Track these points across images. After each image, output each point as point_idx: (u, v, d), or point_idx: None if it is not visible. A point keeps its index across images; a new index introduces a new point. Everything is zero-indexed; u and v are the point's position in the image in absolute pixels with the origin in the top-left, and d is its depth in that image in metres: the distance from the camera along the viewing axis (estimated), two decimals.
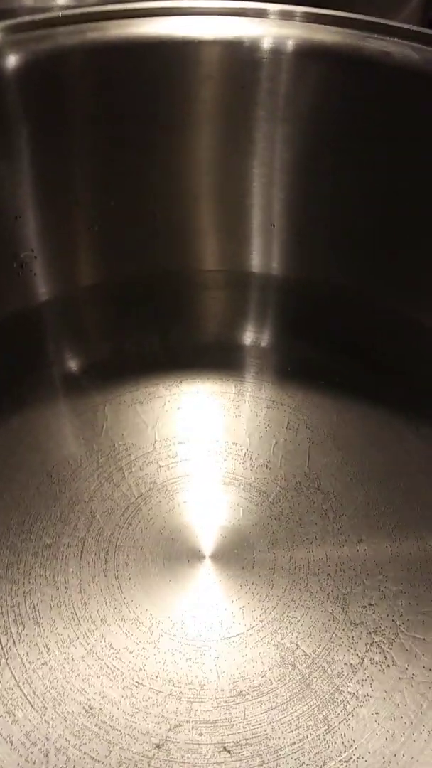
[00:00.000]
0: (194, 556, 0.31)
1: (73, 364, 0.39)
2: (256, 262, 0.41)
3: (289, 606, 0.30)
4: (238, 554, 0.31)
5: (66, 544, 0.31)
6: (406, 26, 0.32)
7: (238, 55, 0.35)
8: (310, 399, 0.37)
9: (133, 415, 0.36)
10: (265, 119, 0.35)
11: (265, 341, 0.40)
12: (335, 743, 0.27)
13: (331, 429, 0.36)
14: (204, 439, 0.35)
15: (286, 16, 0.34)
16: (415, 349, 0.39)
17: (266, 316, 0.41)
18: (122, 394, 0.37)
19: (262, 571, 0.31)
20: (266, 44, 0.34)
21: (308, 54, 0.34)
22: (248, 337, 0.40)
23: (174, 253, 0.41)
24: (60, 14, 0.32)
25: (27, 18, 0.32)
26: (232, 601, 0.30)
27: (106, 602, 0.30)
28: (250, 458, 0.35)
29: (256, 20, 0.34)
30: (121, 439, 0.35)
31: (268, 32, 0.34)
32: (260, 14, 0.34)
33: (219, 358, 0.39)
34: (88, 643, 0.29)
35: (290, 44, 0.34)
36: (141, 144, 0.37)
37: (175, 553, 0.31)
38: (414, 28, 0.31)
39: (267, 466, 0.34)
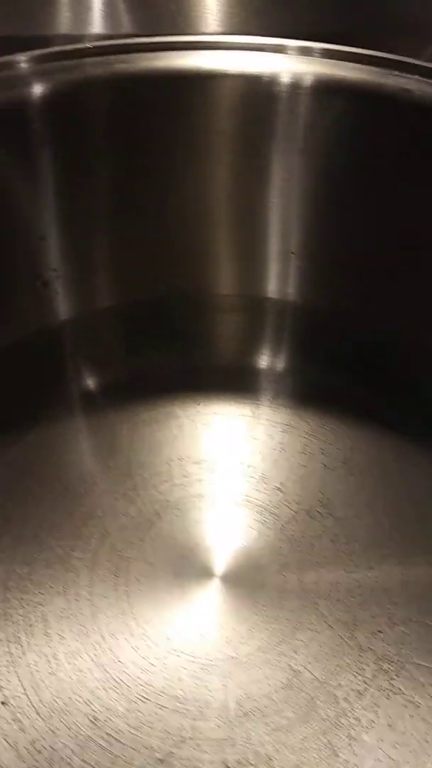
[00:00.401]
0: (204, 575, 0.31)
1: (91, 383, 0.39)
2: (273, 287, 0.41)
3: (297, 629, 0.30)
4: (248, 575, 0.32)
5: (78, 558, 0.32)
6: (426, 64, 0.32)
7: (258, 89, 0.36)
8: (325, 424, 0.37)
9: (149, 434, 0.36)
10: (283, 151, 0.37)
11: (281, 366, 0.40)
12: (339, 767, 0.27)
13: (345, 454, 0.36)
14: (219, 460, 0.36)
15: (304, 52, 0.35)
16: (429, 376, 0.39)
17: (282, 341, 0.42)
18: (139, 414, 0.37)
19: (271, 592, 0.31)
20: (285, 79, 0.35)
21: (326, 89, 0.35)
22: (264, 361, 0.41)
23: (193, 277, 0.42)
24: (90, 45, 0.33)
25: (57, 48, 0.33)
26: (241, 622, 0.30)
27: (115, 616, 0.30)
28: (264, 481, 0.35)
29: (276, 55, 0.35)
30: (136, 457, 0.36)
31: (287, 67, 0.35)
32: (279, 50, 0.35)
33: (235, 381, 0.39)
34: (96, 656, 0.29)
35: (308, 79, 0.35)
36: (162, 172, 0.38)
37: (185, 571, 0.31)
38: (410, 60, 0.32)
39: (280, 490, 0.35)
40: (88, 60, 0.34)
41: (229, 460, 0.36)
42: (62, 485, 0.34)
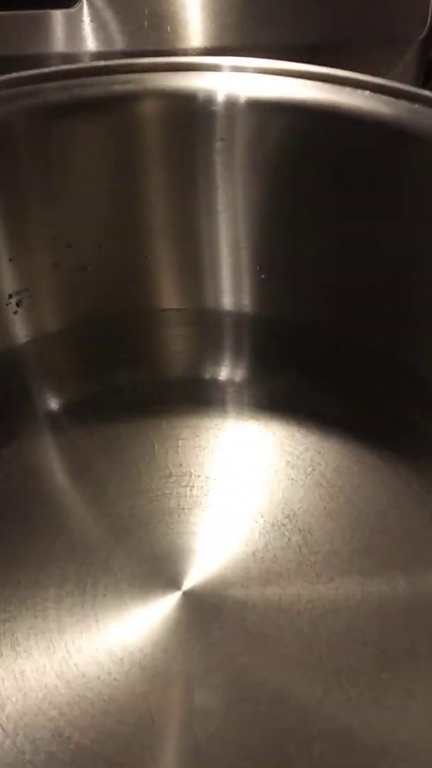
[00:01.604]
0: (170, 588, 0.32)
1: (56, 403, 0.39)
2: (228, 300, 0.41)
3: (259, 641, 0.30)
4: (213, 588, 0.32)
5: (47, 574, 0.32)
6: (376, 80, 0.32)
7: (195, 108, 0.36)
8: (291, 436, 0.37)
9: (116, 450, 0.37)
10: (226, 166, 0.36)
11: (244, 377, 0.40)
12: None
13: (311, 466, 0.36)
14: (185, 474, 0.36)
15: (238, 69, 0.35)
16: (393, 384, 0.39)
17: (243, 353, 0.41)
18: (106, 430, 0.37)
19: (234, 606, 0.31)
20: (220, 97, 0.35)
21: (262, 106, 0.35)
22: (226, 373, 0.40)
23: (148, 293, 0.42)
24: (28, 74, 0.33)
25: (11, 76, 0.33)
26: (204, 635, 0.30)
27: (81, 632, 0.30)
28: (230, 493, 0.35)
29: (212, 74, 0.35)
30: (105, 474, 0.36)
31: (221, 86, 0.35)
32: (214, 68, 0.35)
33: (200, 395, 0.39)
34: (61, 671, 0.29)
35: (243, 97, 0.35)
36: (100, 191, 0.38)
37: (151, 585, 0.32)
38: (386, 82, 0.32)
39: (246, 502, 0.35)
40: (43, 85, 0.34)
41: (196, 474, 0.36)
42: (31, 503, 0.35)
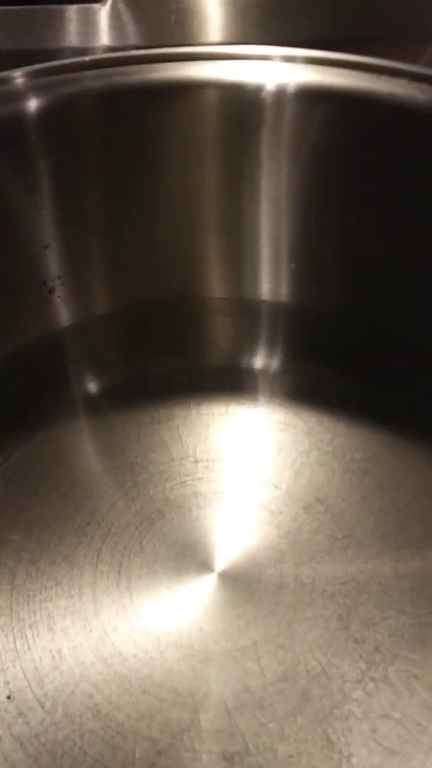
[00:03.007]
0: (204, 570, 0.31)
1: (93, 386, 0.39)
2: (266, 290, 0.41)
3: (293, 622, 0.30)
4: (246, 570, 0.31)
5: (82, 555, 0.32)
6: (413, 68, 0.32)
7: (244, 97, 0.36)
8: (322, 423, 0.37)
9: (150, 435, 0.36)
10: (271, 156, 0.36)
11: (277, 366, 0.40)
12: (333, 757, 0.26)
13: (341, 452, 0.36)
14: (217, 459, 0.35)
15: (288, 59, 0.35)
16: (424, 373, 0.39)
17: (277, 342, 0.41)
18: (140, 415, 0.37)
19: (268, 587, 0.31)
20: (270, 86, 0.35)
21: (310, 95, 0.35)
22: (260, 362, 0.40)
23: (189, 281, 0.41)
24: (87, 59, 0.33)
25: (50, 63, 0.33)
26: (238, 616, 0.30)
27: (117, 612, 0.30)
28: (261, 479, 0.35)
29: (261, 63, 0.35)
30: (137, 458, 0.35)
31: (272, 75, 0.35)
32: (265, 58, 0.35)
33: (232, 382, 0.39)
34: (98, 650, 0.29)
35: (292, 86, 0.35)
36: (155, 181, 0.38)
37: (185, 567, 0.31)
38: (421, 69, 0.32)
39: (277, 487, 0.35)
40: (81, 74, 0.34)
41: (227, 459, 0.35)
42: (66, 485, 0.34)
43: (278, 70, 0.35)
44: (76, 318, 0.40)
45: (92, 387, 0.39)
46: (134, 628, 0.30)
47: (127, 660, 0.29)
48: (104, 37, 0.46)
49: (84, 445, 0.36)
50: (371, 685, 0.28)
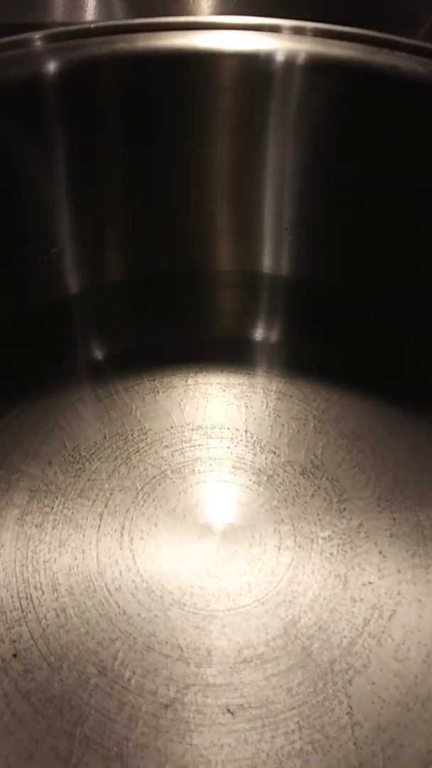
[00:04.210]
0: (204, 532, 0.31)
1: (98, 353, 0.39)
2: (267, 263, 0.41)
3: (292, 581, 0.30)
4: (246, 532, 0.31)
5: (84, 518, 0.32)
6: (413, 42, 0.32)
7: (253, 68, 0.35)
8: (317, 392, 0.37)
9: (151, 402, 0.36)
10: (277, 128, 0.36)
11: (275, 338, 0.40)
12: (333, 709, 0.27)
13: (336, 419, 0.36)
14: (216, 426, 0.35)
15: (298, 31, 0.34)
16: (417, 346, 0.39)
17: (277, 315, 0.41)
18: (141, 383, 0.37)
19: (268, 548, 0.31)
20: (279, 57, 0.35)
21: (318, 67, 0.34)
22: (260, 333, 0.40)
23: (193, 253, 0.41)
24: (92, 26, 0.33)
25: (62, 28, 0.33)
26: (239, 575, 0.30)
27: (120, 572, 0.30)
28: (260, 445, 0.35)
29: (271, 35, 0.35)
30: (139, 424, 0.35)
31: (281, 46, 0.35)
32: (274, 29, 0.35)
33: (232, 352, 0.39)
34: (102, 609, 0.29)
35: (301, 57, 0.34)
36: (165, 149, 0.38)
37: (186, 529, 0.31)
38: (420, 43, 0.32)
39: (275, 453, 0.34)
40: (96, 39, 0.33)
41: (226, 426, 0.35)
42: (69, 450, 0.34)
43: (287, 41, 0.35)
44: (81, 286, 0.39)
45: (97, 355, 0.39)
46: (137, 587, 0.30)
47: (131, 618, 0.29)
48: (93, 12, 0.45)
49: (86, 412, 0.36)
50: (370, 640, 0.28)
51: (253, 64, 0.35)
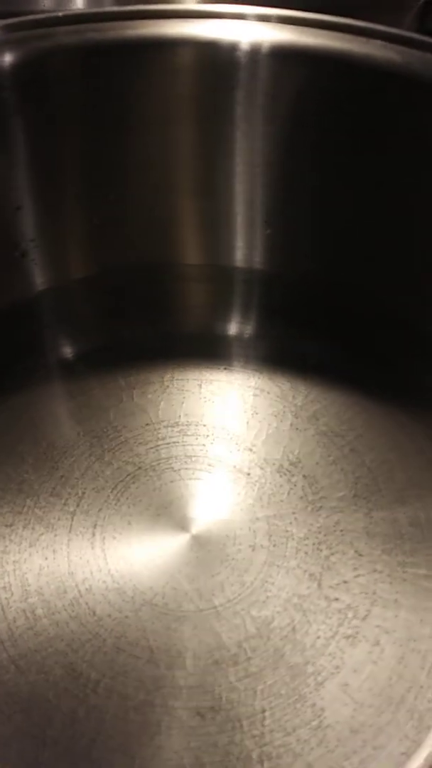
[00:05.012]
0: (178, 531, 0.31)
1: (68, 351, 0.38)
2: (240, 256, 0.40)
3: (266, 581, 0.29)
4: (221, 531, 0.31)
5: (56, 518, 0.31)
6: (390, 29, 0.31)
7: (218, 56, 0.34)
8: (296, 387, 0.36)
9: (125, 400, 0.35)
10: (245, 118, 0.35)
11: (252, 332, 0.39)
12: (305, 712, 0.26)
13: (316, 416, 0.35)
14: (192, 423, 0.35)
15: (263, 18, 0.33)
16: (396, 339, 0.38)
17: (252, 309, 0.41)
18: (115, 381, 0.36)
19: (242, 547, 0.30)
20: (244, 46, 0.34)
21: (284, 55, 0.34)
22: (236, 328, 0.40)
23: (164, 246, 0.40)
24: (60, 14, 0.32)
25: (25, 18, 0.32)
26: (213, 575, 0.29)
27: (91, 572, 0.29)
28: (236, 442, 0.34)
29: (235, 22, 0.34)
30: (113, 422, 0.35)
31: (246, 34, 0.34)
32: (239, 17, 0.34)
33: (208, 348, 0.38)
34: (73, 610, 0.28)
35: (266, 46, 0.33)
36: (127, 140, 0.37)
37: (160, 528, 0.31)
38: (397, 31, 0.31)
39: (251, 450, 0.34)
40: (56, 29, 0.33)
41: (203, 424, 0.35)
42: (41, 449, 0.33)
43: (252, 29, 0.34)
44: (49, 283, 0.39)
45: (67, 352, 0.38)
46: (108, 588, 0.29)
47: (101, 619, 0.28)
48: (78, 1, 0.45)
49: (59, 410, 0.35)
50: (343, 641, 0.28)
51: (217, 53, 0.34)
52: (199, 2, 0.45)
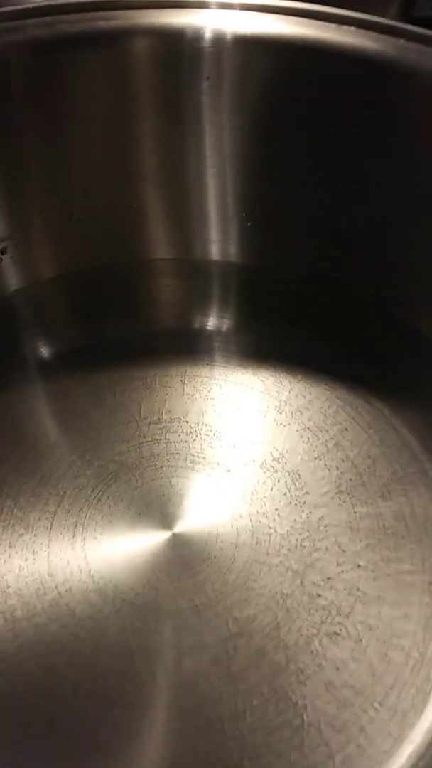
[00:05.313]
0: (160, 530, 0.30)
1: (46, 351, 0.38)
2: (215, 250, 0.40)
3: (249, 579, 0.29)
4: (203, 529, 0.30)
5: (36, 518, 0.31)
6: (361, 15, 0.30)
7: (181, 46, 0.34)
8: (279, 383, 0.36)
9: (106, 398, 0.35)
10: (213, 108, 0.34)
11: (234, 327, 0.39)
12: (288, 710, 0.26)
13: (300, 410, 0.35)
14: (174, 420, 0.34)
15: (225, 6, 0.33)
16: (379, 331, 0.38)
17: (232, 303, 0.40)
18: (95, 378, 0.36)
19: (224, 545, 0.30)
20: (206, 34, 0.33)
21: (249, 43, 0.33)
22: (216, 323, 0.39)
23: (139, 242, 0.40)
24: (30, 6, 0.31)
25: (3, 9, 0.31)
26: (195, 574, 0.29)
27: (71, 573, 0.29)
28: (219, 439, 0.34)
29: (198, 11, 0.33)
30: (94, 421, 0.34)
31: (208, 23, 0.33)
32: (202, 6, 0.33)
33: (190, 344, 0.38)
34: (53, 612, 0.28)
35: (230, 34, 0.33)
36: (90, 134, 0.36)
37: (141, 527, 0.30)
38: (371, 17, 0.30)
39: (235, 446, 0.34)
40: (24, 22, 0.32)
41: (185, 420, 0.34)
42: (21, 449, 0.33)
43: (215, 17, 0.33)
44: (23, 282, 0.38)
45: (45, 352, 0.38)
46: (88, 588, 0.29)
47: (81, 620, 0.28)
48: None
49: (39, 410, 0.35)
50: (326, 639, 0.27)
51: (179, 43, 0.33)
52: None
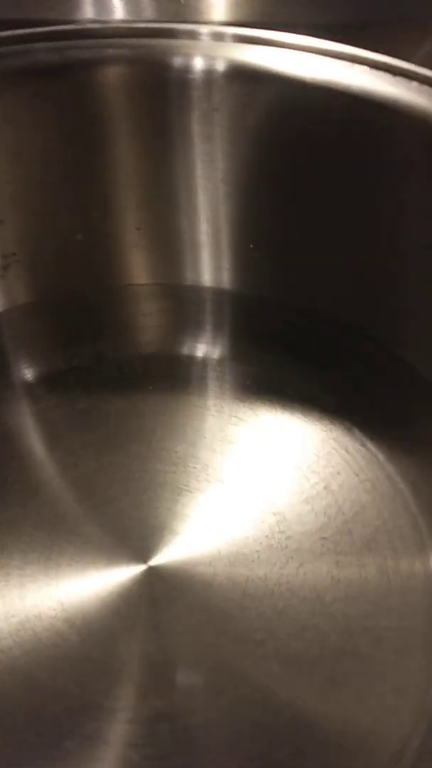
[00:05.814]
0: (135, 562, 0.30)
1: (29, 375, 0.37)
2: (207, 277, 0.39)
3: (222, 622, 0.28)
4: (179, 565, 0.30)
5: (14, 540, 0.31)
6: (357, 51, 0.30)
7: (170, 76, 0.34)
8: (276, 417, 0.35)
9: (93, 425, 0.34)
10: (204, 137, 0.34)
11: (223, 356, 0.38)
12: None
13: (292, 450, 0.34)
14: (161, 450, 0.34)
15: (217, 37, 0.32)
16: (383, 373, 0.37)
17: (222, 331, 0.39)
18: (82, 404, 0.35)
19: (198, 584, 0.29)
20: (197, 65, 0.33)
21: (240, 74, 0.33)
22: (206, 350, 0.38)
23: (129, 267, 0.39)
24: (39, 30, 0.32)
25: (7, 33, 0.31)
26: (165, 611, 0.29)
27: (42, 600, 0.29)
28: (206, 472, 0.33)
29: (189, 41, 0.33)
30: (79, 447, 0.34)
31: (199, 54, 0.33)
32: (192, 36, 0.33)
33: (179, 371, 0.37)
34: (18, 636, 0.28)
35: (220, 65, 0.32)
36: (81, 159, 0.36)
37: (116, 557, 0.30)
38: (364, 53, 0.29)
39: (222, 482, 0.33)
40: (33, 45, 0.32)
41: (174, 451, 0.34)
42: (3, 471, 0.33)
43: (206, 48, 0.33)
44: (10, 304, 0.38)
45: (32, 374, 0.37)
46: (57, 616, 0.28)
47: (47, 648, 0.28)
48: (90, 11, 0.44)
49: (24, 433, 0.34)
50: (295, 692, 0.27)
51: (169, 73, 0.33)
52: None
